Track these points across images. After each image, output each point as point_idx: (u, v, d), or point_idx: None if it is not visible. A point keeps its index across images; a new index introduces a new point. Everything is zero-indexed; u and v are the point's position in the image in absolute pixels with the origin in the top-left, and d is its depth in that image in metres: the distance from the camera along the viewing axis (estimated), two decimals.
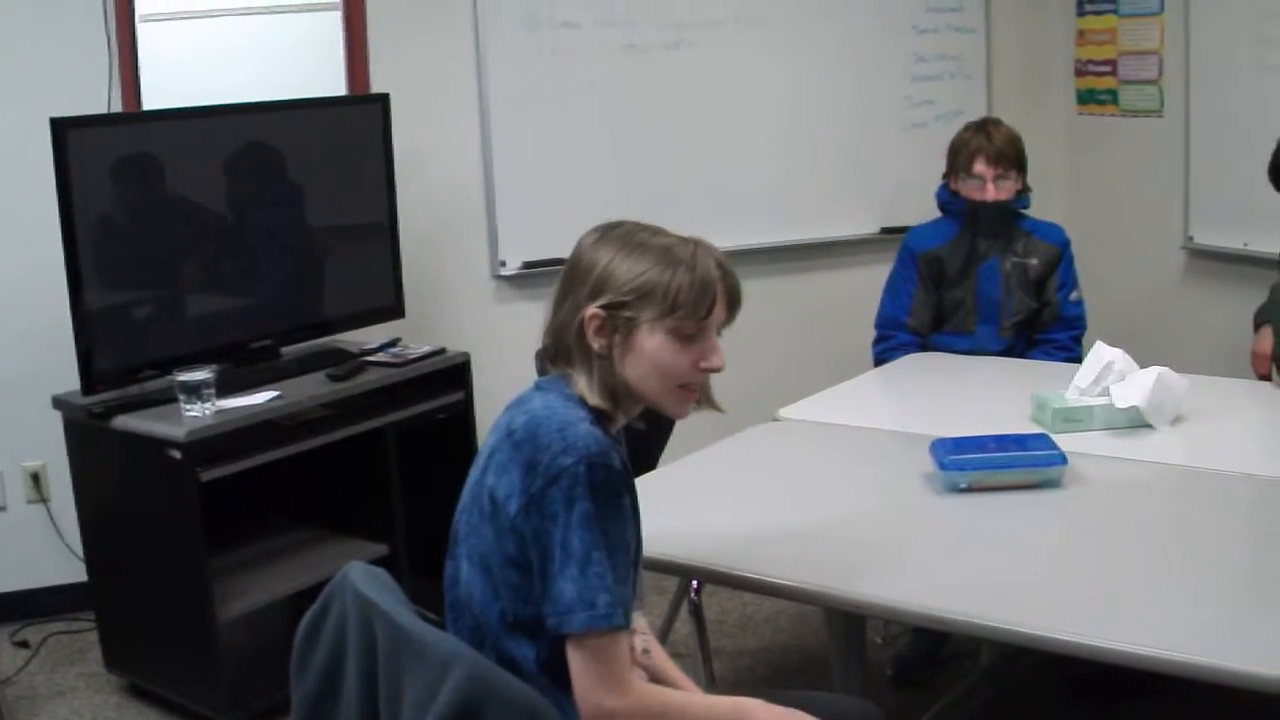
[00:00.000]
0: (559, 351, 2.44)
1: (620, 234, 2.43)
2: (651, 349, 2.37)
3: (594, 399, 2.37)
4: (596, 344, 2.38)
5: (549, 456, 2.26)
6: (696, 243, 2.42)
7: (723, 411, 2.56)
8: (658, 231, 2.44)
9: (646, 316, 2.36)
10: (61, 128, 4.12)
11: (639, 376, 2.40)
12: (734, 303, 2.45)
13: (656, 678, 2.57)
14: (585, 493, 2.24)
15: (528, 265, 5.44)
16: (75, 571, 4.78)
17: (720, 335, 2.45)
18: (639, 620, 2.52)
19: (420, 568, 4.35)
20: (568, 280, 2.45)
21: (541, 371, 2.50)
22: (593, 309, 2.37)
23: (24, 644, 4.91)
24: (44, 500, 5.09)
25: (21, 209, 4.79)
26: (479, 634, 2.38)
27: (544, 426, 2.31)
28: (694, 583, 3.76)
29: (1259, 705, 2.34)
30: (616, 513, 2.29)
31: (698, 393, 2.46)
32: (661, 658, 2.64)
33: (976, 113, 5.43)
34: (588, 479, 2.24)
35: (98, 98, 4.85)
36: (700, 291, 2.36)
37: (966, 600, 2.66)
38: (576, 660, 2.27)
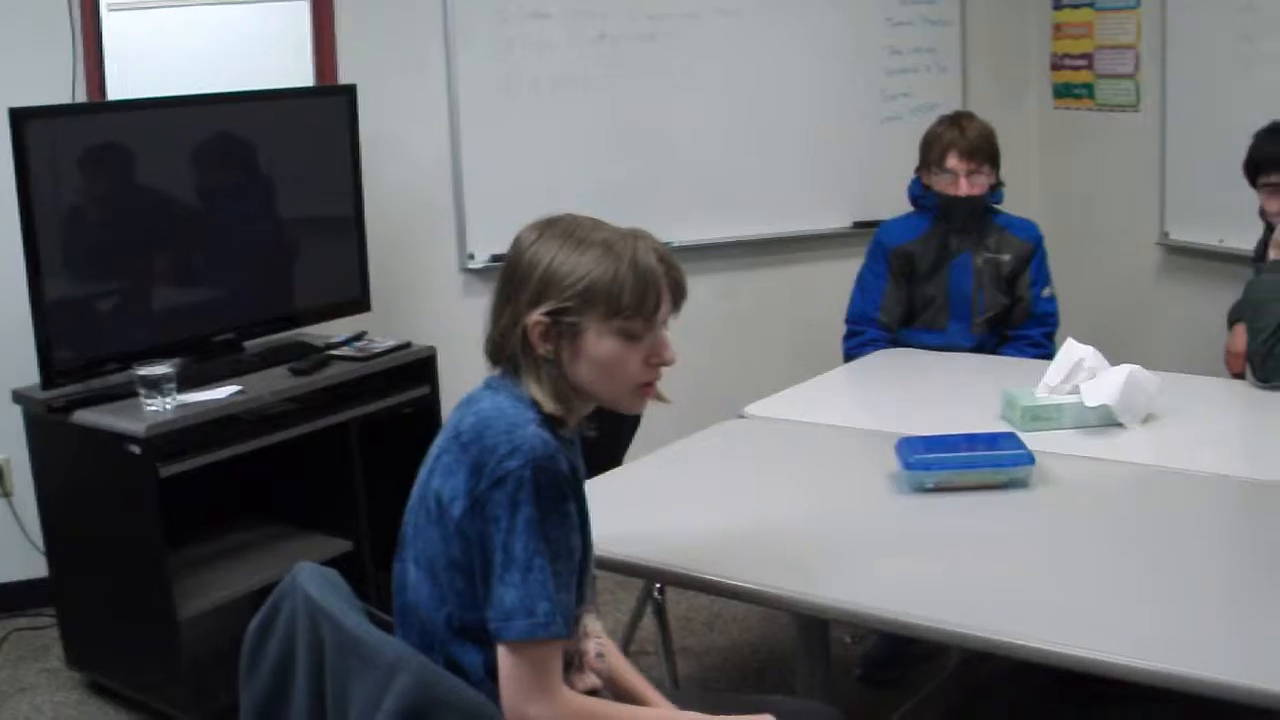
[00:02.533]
0: (504, 357, 2.38)
1: (559, 230, 2.37)
2: (601, 352, 2.32)
3: (548, 405, 2.32)
4: (542, 349, 2.32)
5: (495, 459, 2.22)
6: (637, 236, 2.36)
7: (668, 402, 2.50)
8: (597, 225, 2.37)
9: (592, 319, 2.30)
10: (20, 118, 4.08)
11: (590, 380, 2.34)
12: (678, 295, 2.39)
13: (614, 683, 2.53)
14: (530, 497, 2.19)
15: (496, 259, 5.39)
16: (38, 567, 4.74)
17: (665, 326, 2.40)
18: (594, 624, 2.48)
19: (384, 564, 4.29)
20: (507, 282, 2.38)
21: (491, 361, 2.45)
22: (536, 316, 2.31)
23: None
24: (6, 494, 5.05)
25: None
26: (427, 639, 2.33)
27: (491, 428, 2.26)
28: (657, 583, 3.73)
29: (1234, 714, 2.31)
30: (561, 518, 2.25)
31: (654, 387, 2.41)
32: (619, 662, 2.59)
33: (951, 106, 5.39)
34: (533, 482, 2.19)
35: (62, 88, 4.80)
36: (644, 289, 2.30)
37: (930, 604, 2.62)
38: (506, 665, 2.23)
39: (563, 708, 2.26)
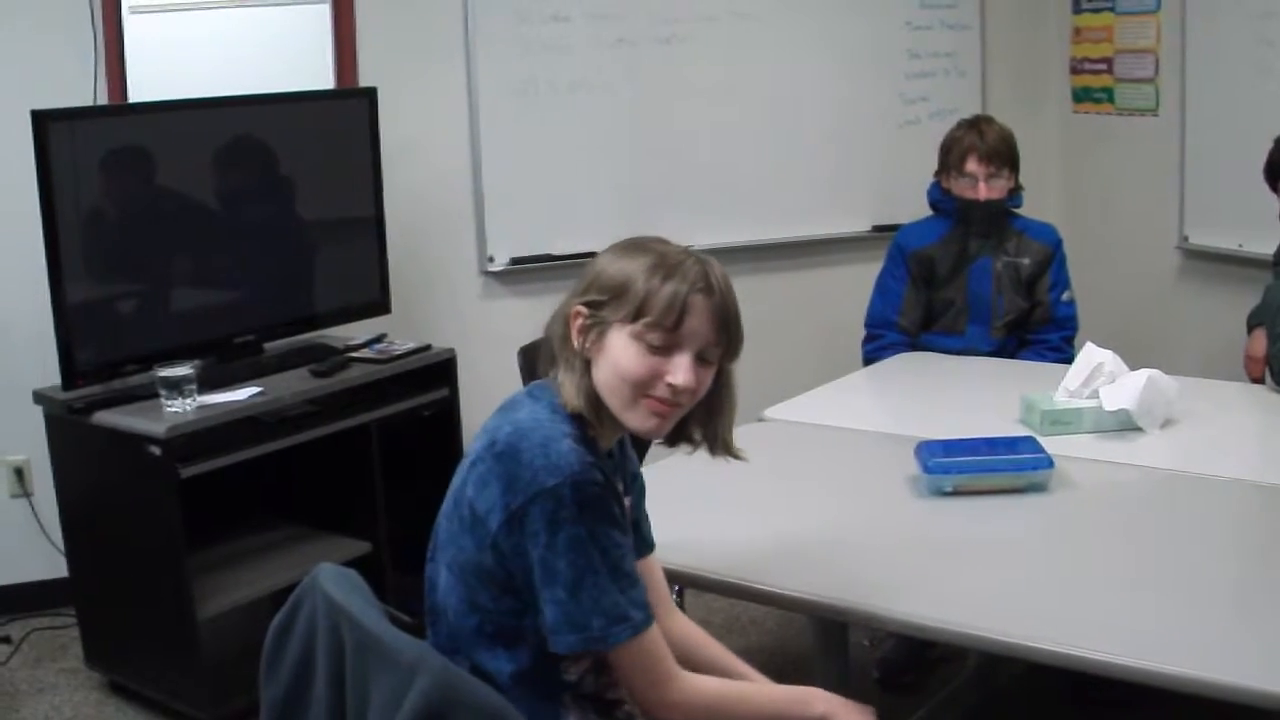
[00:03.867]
0: (550, 351, 2.40)
1: (628, 241, 2.38)
2: (616, 353, 2.30)
3: (575, 402, 2.32)
4: (577, 342, 2.33)
5: (530, 474, 2.21)
6: (693, 256, 2.34)
7: (743, 460, 2.52)
8: (664, 242, 2.37)
9: (617, 317, 2.29)
10: (42, 120, 4.09)
11: (605, 383, 2.33)
12: (721, 324, 2.33)
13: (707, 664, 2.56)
14: (572, 515, 2.19)
15: (516, 261, 5.40)
16: (59, 567, 4.75)
17: (712, 363, 2.36)
18: None
19: (403, 565, 4.32)
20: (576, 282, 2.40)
21: (525, 369, 2.45)
22: (576, 305, 2.33)
23: (5, 639, 4.87)
24: (27, 495, 5.06)
25: (3, 202, 4.75)
26: (454, 641, 2.34)
27: (526, 441, 2.25)
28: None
29: (1251, 718, 2.30)
30: (609, 526, 2.25)
31: (666, 406, 2.34)
32: (704, 641, 2.65)
33: (970, 110, 5.40)
34: (574, 500, 2.19)
35: (84, 90, 4.82)
36: (670, 300, 2.27)
37: (949, 608, 2.62)
38: (617, 669, 2.31)
39: (686, 690, 2.31)
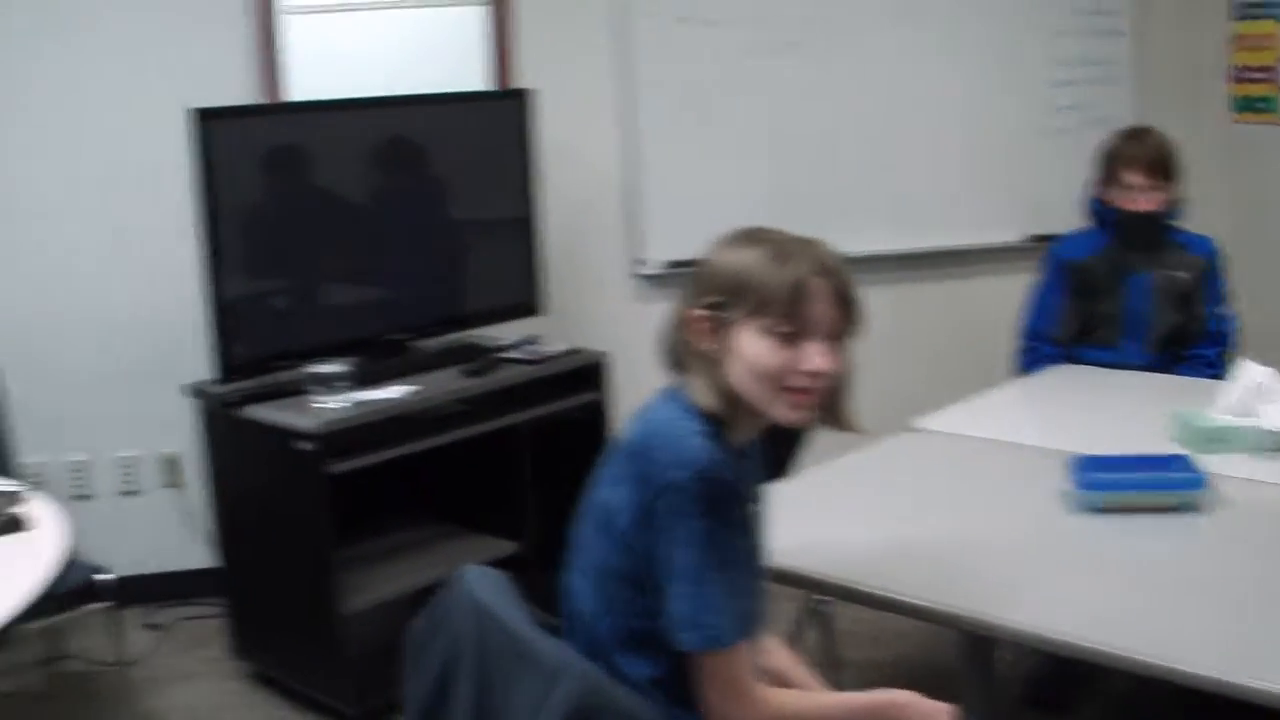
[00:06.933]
0: (673, 355, 2.39)
1: (738, 233, 2.36)
2: (747, 350, 2.28)
3: (707, 401, 2.30)
4: (702, 344, 2.31)
5: (659, 469, 2.20)
6: (806, 241, 2.32)
7: (860, 433, 2.48)
8: (775, 231, 2.35)
9: (740, 314, 2.27)
10: (202, 118, 4.16)
11: (741, 380, 2.30)
12: (845, 306, 2.30)
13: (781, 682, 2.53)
14: (697, 509, 2.18)
15: (669, 265, 5.39)
16: (207, 557, 4.82)
17: (840, 341, 2.33)
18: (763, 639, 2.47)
19: (548, 567, 4.32)
20: (688, 282, 2.38)
21: (667, 370, 2.44)
22: (693, 309, 2.32)
23: (154, 626, 4.95)
24: (178, 486, 5.14)
25: (159, 199, 4.86)
26: (592, 647, 2.33)
27: (657, 438, 2.25)
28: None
29: None
30: (730, 527, 2.24)
31: (808, 395, 2.31)
32: (786, 662, 2.61)
33: (1123, 119, 5.31)
34: (699, 494, 2.18)
35: (240, 89, 4.91)
36: (792, 290, 2.24)
37: (1096, 626, 2.57)
38: (700, 676, 2.25)
39: (758, 708, 2.28)
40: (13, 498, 3.41)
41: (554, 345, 4.78)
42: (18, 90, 4.90)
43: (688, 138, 5.47)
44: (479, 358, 4.61)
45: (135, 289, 5.02)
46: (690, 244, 5.21)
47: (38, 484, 3.72)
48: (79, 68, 4.91)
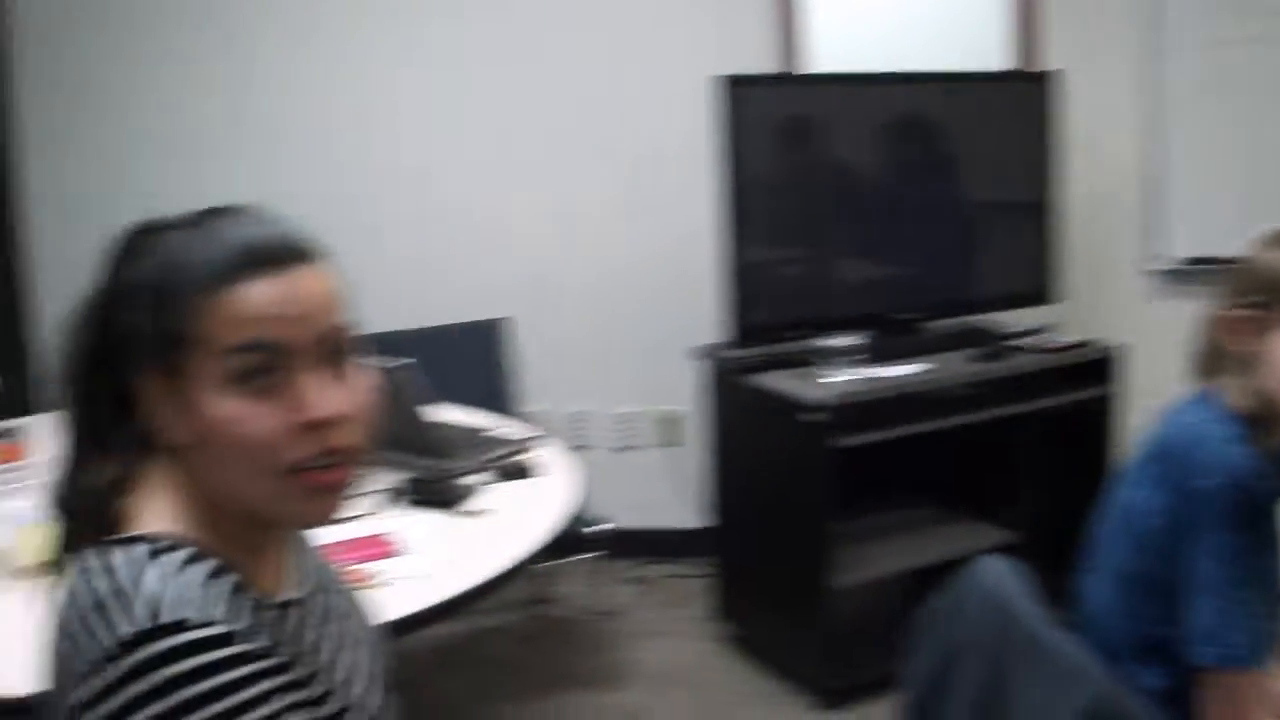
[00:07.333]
0: (1204, 357, 2.29)
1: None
2: None
3: (1244, 401, 2.20)
4: (1239, 347, 2.21)
5: (1192, 475, 2.13)
6: None
7: None
8: None
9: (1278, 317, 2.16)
10: (729, 86, 4.21)
11: (1277, 385, 2.18)
12: None
13: None
14: (1227, 521, 2.10)
15: (1189, 261, 5.19)
16: (695, 518, 4.88)
17: None
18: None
19: (1045, 562, 4.24)
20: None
21: (1195, 372, 2.34)
22: (1236, 309, 2.22)
23: (638, 580, 5.06)
24: (675, 445, 5.21)
25: (673, 166, 4.97)
26: (1108, 653, 2.27)
27: (1190, 443, 2.17)
28: None
29: None
30: (1259, 542, 2.14)
31: None
32: None
33: None
34: (1232, 504, 2.10)
35: (755, 59, 4.96)
36: None
37: None
38: (1205, 695, 2.17)
39: None
40: (522, 444, 3.51)
41: (1064, 336, 4.67)
42: (544, 57, 5.12)
43: (1222, 132, 5.24)
44: (990, 343, 4.53)
45: (644, 252, 5.14)
46: (1216, 241, 5.09)
47: (548, 433, 3.81)
48: (598, 39, 5.11)
